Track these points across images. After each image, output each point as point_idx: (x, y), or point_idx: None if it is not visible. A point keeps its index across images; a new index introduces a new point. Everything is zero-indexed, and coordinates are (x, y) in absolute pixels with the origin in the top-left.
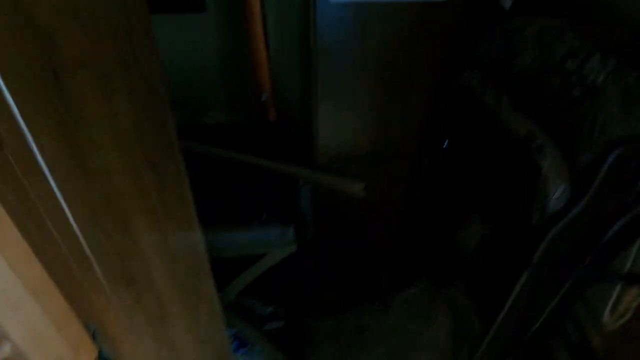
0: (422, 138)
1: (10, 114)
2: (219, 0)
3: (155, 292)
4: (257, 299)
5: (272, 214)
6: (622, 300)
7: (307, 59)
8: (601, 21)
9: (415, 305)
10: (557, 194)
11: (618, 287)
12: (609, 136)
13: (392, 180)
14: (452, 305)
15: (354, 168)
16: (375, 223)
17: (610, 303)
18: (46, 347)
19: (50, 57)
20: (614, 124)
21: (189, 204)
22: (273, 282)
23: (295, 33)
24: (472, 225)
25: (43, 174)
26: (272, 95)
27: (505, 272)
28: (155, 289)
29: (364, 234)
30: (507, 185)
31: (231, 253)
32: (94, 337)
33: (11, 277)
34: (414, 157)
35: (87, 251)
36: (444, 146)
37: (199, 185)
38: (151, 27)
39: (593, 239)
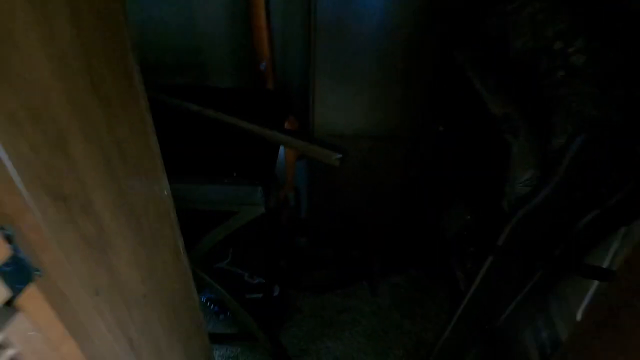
0: (420, 120)
1: None
2: None
3: (96, 220)
4: (247, 269)
5: (243, 174)
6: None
7: (309, 34)
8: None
9: (402, 293)
10: (524, 177)
11: (595, 284)
12: (581, 118)
13: (389, 161)
14: (440, 296)
15: (350, 146)
16: (371, 205)
17: (586, 300)
18: None
19: None
20: (588, 105)
21: (151, 148)
22: (265, 256)
23: (300, 8)
24: (456, 210)
25: None
26: (271, 64)
27: (476, 257)
28: (96, 216)
29: (359, 215)
30: (487, 166)
31: (203, 206)
32: (9, 239)
33: None
34: (411, 139)
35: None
36: (440, 129)
37: (180, 138)
38: None
39: (561, 229)
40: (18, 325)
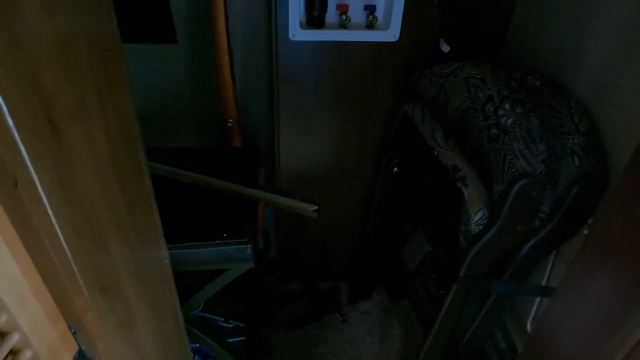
0: (375, 161)
1: (22, 160)
2: (189, 33)
3: (125, 300)
4: (221, 315)
5: (232, 234)
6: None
7: (270, 89)
8: (520, 68)
9: (371, 318)
10: (476, 218)
11: (538, 299)
12: (514, 171)
13: (349, 200)
14: (404, 317)
15: (314, 189)
16: (335, 240)
17: (532, 313)
18: (44, 338)
19: (49, 111)
20: (518, 160)
21: (155, 223)
22: (237, 299)
23: (260, 65)
24: (417, 242)
25: (43, 202)
26: (237, 121)
27: (441, 286)
28: (125, 297)
29: (325, 250)
30: (442, 208)
31: (196, 267)
32: (74, 336)
33: (22, 281)
34: (369, 178)
35: (72, 263)
36: (394, 170)
37: (168, 206)
38: (126, 68)
39: (508, 257)
40: None
